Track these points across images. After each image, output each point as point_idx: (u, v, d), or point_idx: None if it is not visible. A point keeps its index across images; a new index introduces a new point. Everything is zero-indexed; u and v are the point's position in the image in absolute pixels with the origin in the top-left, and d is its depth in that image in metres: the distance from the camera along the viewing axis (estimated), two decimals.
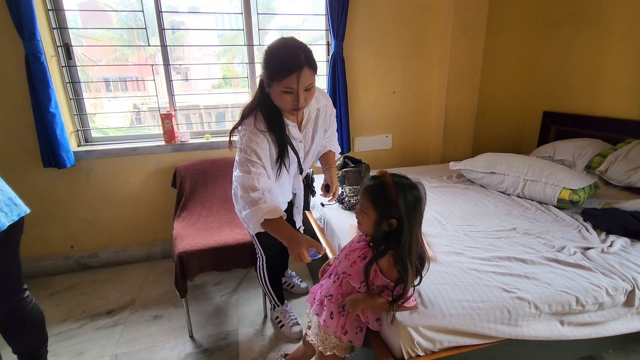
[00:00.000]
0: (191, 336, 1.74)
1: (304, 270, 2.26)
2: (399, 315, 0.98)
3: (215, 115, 2.76)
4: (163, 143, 2.30)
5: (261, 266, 1.66)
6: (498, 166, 1.94)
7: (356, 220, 1.05)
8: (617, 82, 2.19)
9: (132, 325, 1.83)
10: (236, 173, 1.26)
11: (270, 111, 1.21)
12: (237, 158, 1.27)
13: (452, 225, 1.54)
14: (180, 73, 2.74)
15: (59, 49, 2.11)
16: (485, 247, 1.35)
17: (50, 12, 2.04)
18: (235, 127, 1.28)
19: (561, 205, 1.68)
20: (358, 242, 1.11)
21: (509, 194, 1.89)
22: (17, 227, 1.21)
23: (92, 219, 2.31)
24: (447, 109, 2.57)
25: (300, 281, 2.04)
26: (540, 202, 1.77)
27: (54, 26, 2.07)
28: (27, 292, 1.33)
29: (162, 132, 2.30)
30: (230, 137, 1.30)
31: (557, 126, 2.60)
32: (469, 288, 1.09)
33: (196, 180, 2.18)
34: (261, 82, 1.20)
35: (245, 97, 2.50)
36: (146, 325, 1.83)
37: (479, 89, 2.60)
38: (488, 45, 2.56)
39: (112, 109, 2.69)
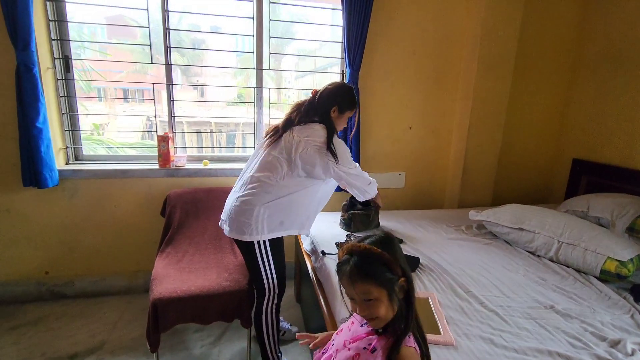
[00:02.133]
0: None
1: (293, 314, 2.00)
2: None
3: (226, 136, 2.59)
4: (157, 167, 2.13)
5: (269, 305, 1.49)
6: (527, 222, 1.70)
7: (364, 320, 0.84)
8: None
9: None
10: (354, 170, 1.49)
11: (334, 130, 1.49)
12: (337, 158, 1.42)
13: (477, 296, 1.29)
14: (196, 89, 2.66)
15: (57, 61, 1.99)
16: (519, 331, 1.10)
17: (51, 23, 1.93)
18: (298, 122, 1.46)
19: (605, 277, 1.42)
20: (360, 326, 0.88)
21: (539, 256, 1.64)
22: None
23: (72, 243, 2.11)
24: (467, 149, 2.36)
25: (290, 325, 1.88)
26: (578, 271, 1.51)
27: (53, 37, 1.95)
28: None
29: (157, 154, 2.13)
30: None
31: (589, 176, 2.36)
32: None
33: (187, 210, 1.98)
34: (328, 108, 1.47)
35: (251, 120, 2.33)
36: None
37: (504, 130, 2.40)
38: (515, 84, 2.38)
39: (115, 124, 2.57)
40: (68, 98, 2.07)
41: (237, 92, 3.50)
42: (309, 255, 1.81)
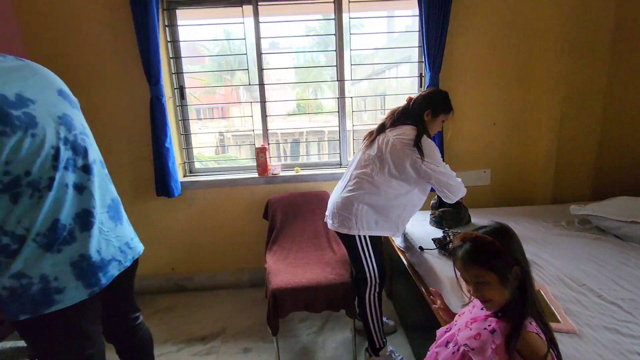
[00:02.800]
0: None
1: (386, 309, 2.10)
2: None
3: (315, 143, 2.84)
4: (256, 175, 2.41)
5: (371, 293, 1.61)
6: None
7: (479, 303, 0.92)
8: None
9: (223, 356, 1.86)
10: (443, 168, 1.54)
11: (425, 131, 1.56)
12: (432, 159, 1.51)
13: (593, 289, 1.27)
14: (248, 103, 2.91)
15: (175, 90, 2.38)
16: None
17: (172, 60, 2.32)
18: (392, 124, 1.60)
19: None
20: (481, 309, 0.96)
21: None
22: (132, 267, 1.21)
23: (191, 243, 2.48)
24: (559, 142, 2.26)
25: (387, 318, 1.91)
26: None
27: (173, 71, 2.34)
28: (140, 318, 1.42)
29: (255, 164, 2.41)
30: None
31: None
32: None
33: (287, 213, 2.21)
34: (419, 112, 1.57)
35: (335, 127, 2.51)
36: (237, 357, 1.84)
37: (604, 119, 2.24)
38: (615, 70, 2.21)
39: (204, 139, 2.95)
40: (183, 121, 2.45)
41: (297, 103, 3.76)
42: (402, 252, 1.91)
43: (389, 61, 2.67)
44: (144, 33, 2.02)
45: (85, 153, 1.04)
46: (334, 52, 2.37)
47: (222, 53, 2.86)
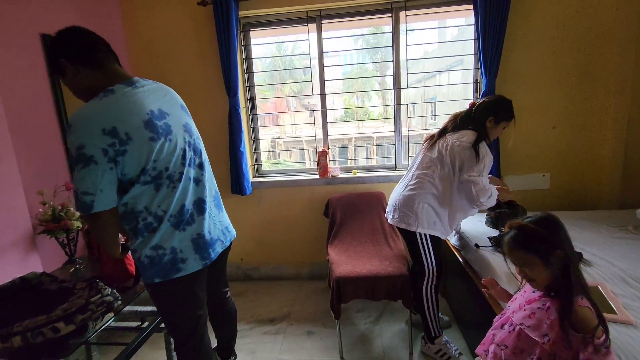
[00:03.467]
0: (342, 357, 1.88)
1: (440, 306, 2.19)
2: None
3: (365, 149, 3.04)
4: (317, 177, 2.64)
5: (429, 285, 1.74)
6: None
7: (527, 284, 1.05)
8: None
9: (290, 336, 2.09)
10: (480, 175, 1.60)
11: (485, 137, 1.65)
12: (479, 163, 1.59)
13: None
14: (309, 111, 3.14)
15: (248, 102, 2.70)
16: None
17: (246, 75, 2.65)
18: (452, 129, 1.71)
19: None
20: (533, 292, 1.07)
21: None
22: (228, 247, 1.50)
23: (258, 237, 2.77)
24: (627, 144, 2.20)
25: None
26: None
27: (246, 84, 2.67)
28: (229, 293, 1.69)
29: (316, 167, 2.64)
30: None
31: None
32: None
33: (345, 212, 2.40)
34: (481, 118, 1.66)
35: (388, 133, 2.67)
36: (302, 339, 2.06)
37: None
38: None
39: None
40: (253, 128, 2.77)
41: (344, 110, 3.95)
42: (457, 250, 2.00)
43: (439, 68, 2.77)
44: (226, 53, 2.36)
45: (200, 153, 1.32)
46: (391, 62, 2.53)
47: (283, 67, 3.17)
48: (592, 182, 2.41)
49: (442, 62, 2.83)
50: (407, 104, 2.61)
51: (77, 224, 1.78)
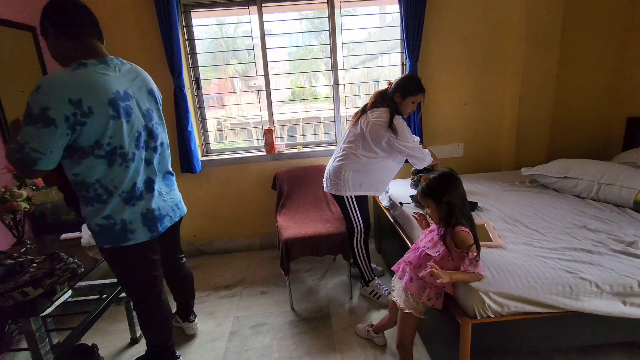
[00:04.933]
0: (292, 308, 2.15)
1: (376, 261, 2.56)
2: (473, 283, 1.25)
3: (311, 126, 3.26)
4: (264, 153, 2.82)
5: (358, 239, 2.06)
6: (572, 171, 2.04)
7: (434, 227, 1.40)
8: None
9: (245, 297, 2.31)
10: (411, 144, 1.91)
11: (397, 112, 1.91)
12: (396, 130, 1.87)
13: (523, 222, 1.72)
14: (254, 92, 3.29)
15: (192, 82, 2.77)
16: (553, 240, 1.53)
17: (189, 56, 2.70)
18: (372, 107, 1.95)
19: (638, 207, 1.75)
20: (433, 227, 1.41)
21: (582, 198, 1.99)
22: (178, 221, 1.62)
23: (210, 213, 2.91)
24: (519, 119, 2.69)
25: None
26: (616, 205, 1.84)
27: (190, 65, 2.73)
28: (184, 259, 1.86)
29: (263, 144, 2.83)
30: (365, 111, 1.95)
31: None
32: (535, 268, 1.30)
33: (292, 184, 2.64)
34: (391, 95, 1.91)
35: (329, 112, 2.93)
36: (256, 298, 2.29)
37: (555, 98, 2.68)
38: (566, 54, 2.64)
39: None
40: (200, 108, 2.85)
41: (292, 91, 4.16)
42: (387, 209, 2.35)
43: (379, 52, 3.06)
44: (168, 34, 2.40)
45: (156, 138, 1.40)
46: (328, 46, 2.76)
47: (226, 49, 3.24)
48: (495, 149, 2.91)
49: (384, 45, 3.08)
50: (344, 84, 2.87)
51: (24, 204, 1.81)
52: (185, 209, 1.64)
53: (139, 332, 1.94)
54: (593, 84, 2.80)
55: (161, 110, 1.50)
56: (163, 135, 1.47)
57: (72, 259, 1.46)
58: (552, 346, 1.34)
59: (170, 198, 1.51)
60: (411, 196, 2.13)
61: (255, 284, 2.45)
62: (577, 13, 2.63)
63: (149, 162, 1.38)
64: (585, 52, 2.73)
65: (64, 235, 1.91)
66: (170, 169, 1.56)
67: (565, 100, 2.79)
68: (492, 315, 1.24)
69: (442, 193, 1.29)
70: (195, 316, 1.99)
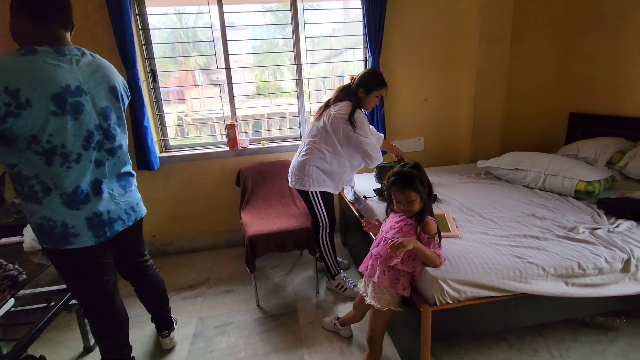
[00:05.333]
0: (258, 305, 2.12)
1: (342, 254, 2.59)
2: (432, 270, 1.30)
3: (277, 122, 3.20)
4: (227, 149, 2.75)
5: (323, 234, 2.06)
6: (522, 163, 2.18)
7: (398, 216, 1.41)
8: (638, 85, 2.36)
9: (209, 297, 2.25)
10: (369, 140, 1.93)
11: (360, 106, 1.92)
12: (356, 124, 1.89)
13: (479, 212, 1.82)
14: (217, 85, 3.18)
15: (148, 74, 2.63)
16: (505, 228, 1.62)
17: (144, 46, 2.56)
18: (335, 101, 1.96)
19: (578, 196, 1.90)
20: (399, 217, 1.44)
21: (531, 188, 2.13)
22: (136, 225, 1.48)
23: (171, 212, 2.79)
24: (475, 114, 2.83)
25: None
26: (560, 194, 1.99)
27: (145, 56, 2.58)
28: (149, 262, 1.72)
29: (226, 139, 2.75)
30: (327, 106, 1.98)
31: (583, 127, 2.77)
32: (488, 255, 1.38)
33: (256, 179, 2.59)
34: (355, 90, 1.92)
35: (294, 107, 2.90)
36: (221, 297, 2.24)
37: (507, 95, 2.84)
38: (515, 53, 2.80)
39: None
40: (157, 102, 2.71)
41: (257, 86, 4.08)
42: (352, 203, 2.38)
43: (343, 47, 3.07)
44: (119, 22, 2.25)
45: (113, 139, 1.29)
46: (292, 40, 2.73)
47: (186, 40, 3.11)
48: (454, 143, 3.03)
49: (348, 41, 3.10)
50: (309, 79, 2.86)
51: None
52: (143, 211, 1.52)
53: (92, 340, 1.83)
54: (540, 82, 3.00)
55: (123, 110, 1.38)
56: (122, 137, 1.36)
57: (12, 265, 1.34)
58: (505, 327, 1.44)
59: (125, 200, 1.38)
60: (375, 190, 2.17)
61: (220, 283, 2.39)
62: (526, 16, 2.80)
63: (99, 164, 1.26)
64: (533, 52, 2.91)
65: (4, 240, 1.75)
66: (128, 169, 1.44)
67: (516, 97, 2.97)
68: (450, 302, 1.30)
69: (423, 180, 1.33)
70: (171, 330, 1.83)
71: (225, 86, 2.76)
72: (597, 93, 2.66)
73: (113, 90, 1.31)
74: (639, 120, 2.33)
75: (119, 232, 1.35)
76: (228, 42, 2.65)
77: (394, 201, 1.40)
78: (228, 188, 2.77)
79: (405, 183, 1.33)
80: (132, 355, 1.58)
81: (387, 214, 1.52)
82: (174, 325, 1.88)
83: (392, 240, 1.36)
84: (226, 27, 2.62)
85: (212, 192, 2.80)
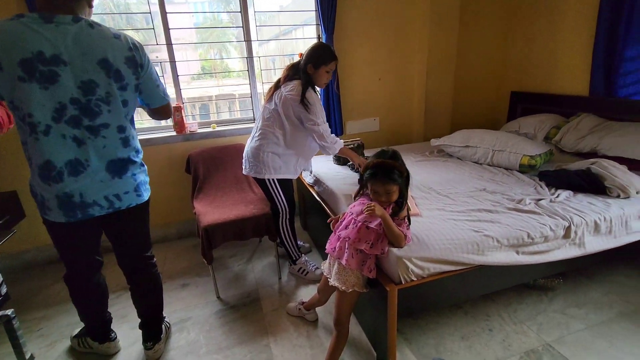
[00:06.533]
0: (218, 297, 2.03)
1: (303, 237, 2.57)
2: (397, 250, 1.30)
3: (226, 104, 3.01)
4: (174, 133, 2.53)
5: (283, 220, 2.00)
6: (471, 140, 2.27)
7: (362, 200, 1.38)
8: (570, 64, 2.55)
9: (164, 292, 2.09)
10: (321, 127, 1.82)
11: (311, 84, 1.80)
12: (310, 108, 1.77)
13: (435, 189, 1.87)
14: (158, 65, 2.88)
15: None
16: (461, 203, 1.69)
17: None
18: (285, 81, 1.83)
19: (522, 169, 2.04)
20: (368, 201, 1.41)
21: (480, 164, 2.24)
22: (129, 213, 1.41)
23: None
24: (427, 93, 2.89)
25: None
26: (506, 168, 2.12)
27: None
28: (149, 261, 1.64)
29: (172, 123, 2.53)
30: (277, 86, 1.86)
31: (523, 104, 2.96)
32: (448, 231, 1.42)
33: (208, 165, 2.43)
34: (304, 66, 1.78)
35: (245, 87, 2.74)
36: (177, 292, 2.11)
37: (455, 74, 2.92)
38: (462, 34, 2.88)
39: None
40: None
41: (202, 65, 3.83)
42: (311, 186, 2.34)
43: (293, 23, 2.93)
44: None
45: (94, 116, 1.18)
46: (239, 14, 2.54)
47: (117, 11, 2.76)
48: (407, 122, 3.09)
49: (299, 18, 2.97)
50: (259, 57, 2.70)
51: None
52: (134, 201, 1.38)
53: (29, 354, 1.62)
54: (486, 62, 3.14)
55: (119, 87, 1.22)
56: (109, 116, 1.22)
57: None
58: (463, 298, 1.51)
59: (110, 186, 1.28)
60: (348, 165, 2.16)
61: (175, 277, 2.25)
62: None
63: (80, 142, 1.19)
64: (479, 33, 3.02)
65: None
66: (126, 155, 1.30)
67: (464, 76, 3.08)
68: (414, 279, 1.32)
69: (403, 170, 1.30)
70: (155, 342, 1.63)
71: (167, 65, 2.51)
72: (534, 72, 2.84)
73: (103, 63, 1.17)
74: (570, 97, 2.53)
75: (107, 219, 1.36)
76: (167, 14, 2.40)
77: (370, 192, 1.36)
78: (177, 175, 2.58)
79: (386, 175, 1.28)
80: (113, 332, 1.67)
81: (356, 199, 1.48)
82: (162, 335, 1.70)
83: (362, 223, 1.33)
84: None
85: (159, 180, 2.58)
